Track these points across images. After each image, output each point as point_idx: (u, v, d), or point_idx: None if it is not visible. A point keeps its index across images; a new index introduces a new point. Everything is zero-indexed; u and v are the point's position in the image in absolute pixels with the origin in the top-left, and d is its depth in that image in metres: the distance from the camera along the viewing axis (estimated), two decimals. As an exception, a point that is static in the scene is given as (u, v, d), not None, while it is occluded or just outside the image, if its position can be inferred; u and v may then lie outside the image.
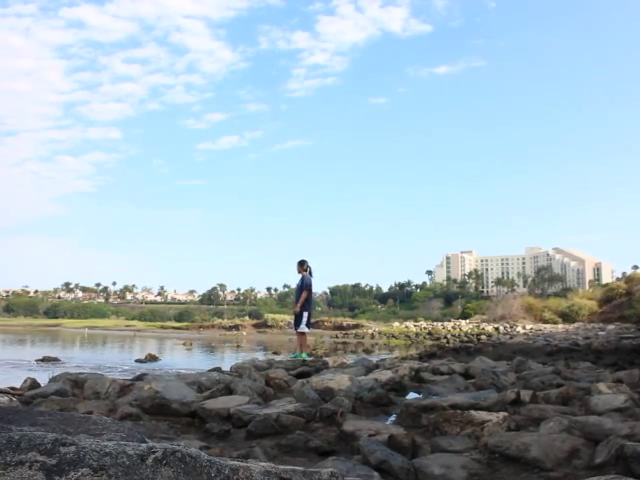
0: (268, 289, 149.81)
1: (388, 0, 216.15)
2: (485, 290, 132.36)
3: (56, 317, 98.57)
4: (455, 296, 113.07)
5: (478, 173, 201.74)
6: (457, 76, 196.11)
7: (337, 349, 26.09)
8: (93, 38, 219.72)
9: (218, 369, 7.70)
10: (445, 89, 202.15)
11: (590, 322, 46.15)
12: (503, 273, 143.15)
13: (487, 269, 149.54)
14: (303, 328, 9.15)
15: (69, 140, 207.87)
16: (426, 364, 8.37)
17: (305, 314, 9.20)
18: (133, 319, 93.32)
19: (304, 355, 8.89)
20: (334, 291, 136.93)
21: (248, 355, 20.37)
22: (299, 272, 9.20)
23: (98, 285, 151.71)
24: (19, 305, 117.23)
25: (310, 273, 9.29)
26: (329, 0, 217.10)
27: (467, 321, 55.12)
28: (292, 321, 9.82)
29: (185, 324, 69.16)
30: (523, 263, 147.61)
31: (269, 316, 63.88)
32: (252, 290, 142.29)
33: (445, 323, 54.10)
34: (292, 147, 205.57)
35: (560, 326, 44.18)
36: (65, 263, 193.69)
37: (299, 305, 9.14)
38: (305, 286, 9.13)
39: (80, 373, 6.25)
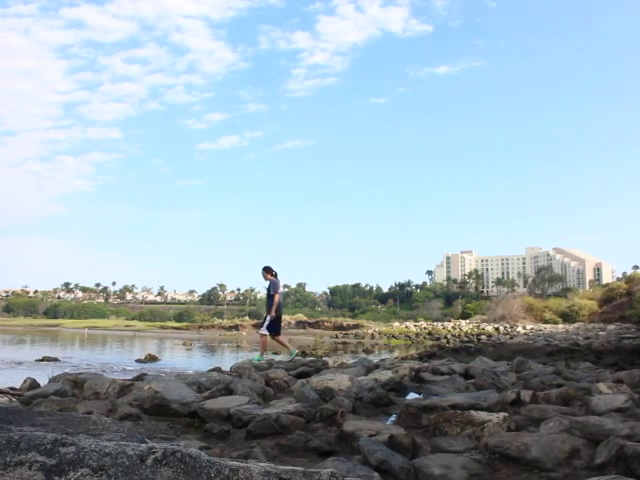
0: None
1: (388, 0, 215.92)
2: (485, 290, 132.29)
3: (56, 317, 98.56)
4: (455, 296, 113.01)
5: (478, 173, 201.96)
6: (457, 76, 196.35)
7: (337, 349, 26.10)
8: (93, 38, 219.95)
9: (218, 369, 7.71)
10: (445, 89, 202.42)
11: (590, 322, 46.19)
12: (503, 273, 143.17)
13: (487, 269, 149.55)
14: (264, 330, 9.18)
15: (69, 140, 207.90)
16: (426, 364, 8.37)
17: (269, 318, 9.18)
18: (133, 319, 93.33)
19: (257, 358, 8.77)
20: (334, 291, 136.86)
21: (248, 355, 20.37)
22: (267, 279, 9.22)
23: (98, 285, 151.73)
24: (19, 305, 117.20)
25: (276, 277, 9.34)
26: (329, 0, 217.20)
27: (467, 321, 55.17)
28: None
29: (185, 324, 69.14)
30: (523, 263, 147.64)
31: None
32: (252, 290, 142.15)
33: (445, 323, 54.15)
34: (292, 147, 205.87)
35: (560, 326, 44.19)
36: (65, 263, 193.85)
37: (274, 309, 9.13)
38: (275, 291, 9.17)
39: (80, 373, 6.25)
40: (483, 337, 34.48)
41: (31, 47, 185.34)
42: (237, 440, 3.51)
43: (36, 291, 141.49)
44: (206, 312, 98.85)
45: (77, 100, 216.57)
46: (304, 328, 56.89)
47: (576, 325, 43.60)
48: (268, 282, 9.26)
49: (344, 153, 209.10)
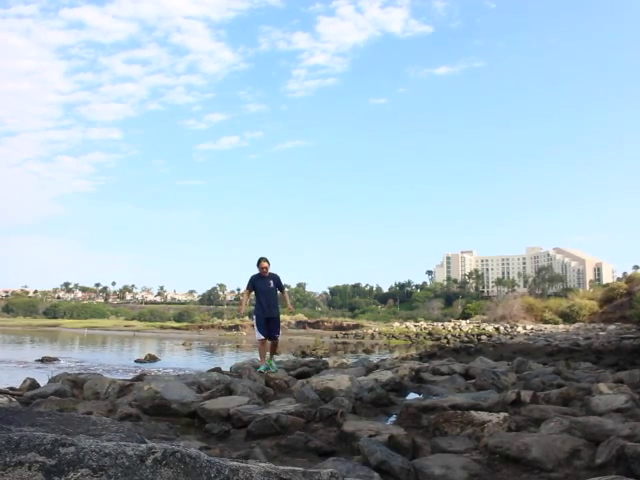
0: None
1: (388, 1, 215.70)
2: (485, 290, 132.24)
3: (55, 317, 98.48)
4: (455, 296, 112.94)
5: (478, 173, 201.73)
6: (457, 77, 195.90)
7: (337, 349, 26.11)
8: (94, 39, 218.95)
9: (218, 369, 7.71)
10: (445, 90, 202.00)
11: (591, 322, 46.19)
12: (503, 273, 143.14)
13: (487, 269, 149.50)
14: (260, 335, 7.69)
15: (69, 140, 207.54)
16: (426, 364, 8.37)
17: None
18: (132, 319, 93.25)
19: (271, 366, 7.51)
20: (334, 291, 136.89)
21: (248, 355, 20.38)
22: (268, 270, 7.71)
23: (97, 285, 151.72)
24: (18, 305, 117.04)
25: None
26: (329, 1, 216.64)
27: (467, 321, 55.23)
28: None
29: (185, 324, 69.12)
30: (523, 263, 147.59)
31: (269, 316, 63.62)
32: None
33: (445, 323, 54.19)
34: (292, 147, 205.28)
35: (561, 326, 44.22)
36: (65, 263, 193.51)
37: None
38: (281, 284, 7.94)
39: (79, 373, 6.25)
40: (483, 337, 34.49)
41: (31, 48, 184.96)
42: (237, 440, 3.50)
43: (36, 291, 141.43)
44: (206, 312, 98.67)
45: (77, 100, 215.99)
46: (304, 328, 56.92)
47: (576, 325, 43.61)
48: (270, 274, 7.75)
49: (344, 153, 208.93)
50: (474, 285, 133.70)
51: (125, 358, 18.75)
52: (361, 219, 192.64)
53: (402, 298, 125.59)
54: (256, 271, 7.78)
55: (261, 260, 7.68)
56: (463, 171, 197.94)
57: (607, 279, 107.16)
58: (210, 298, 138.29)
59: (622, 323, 39.75)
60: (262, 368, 6.97)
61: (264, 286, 7.71)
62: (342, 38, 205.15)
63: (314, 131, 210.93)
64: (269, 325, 7.69)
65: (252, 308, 8.48)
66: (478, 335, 37.36)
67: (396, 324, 54.80)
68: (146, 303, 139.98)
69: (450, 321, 58.30)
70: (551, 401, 4.52)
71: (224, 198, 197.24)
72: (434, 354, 15.54)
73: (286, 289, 8.06)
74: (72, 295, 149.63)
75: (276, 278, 7.81)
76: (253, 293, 7.93)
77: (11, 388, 5.92)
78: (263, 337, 7.60)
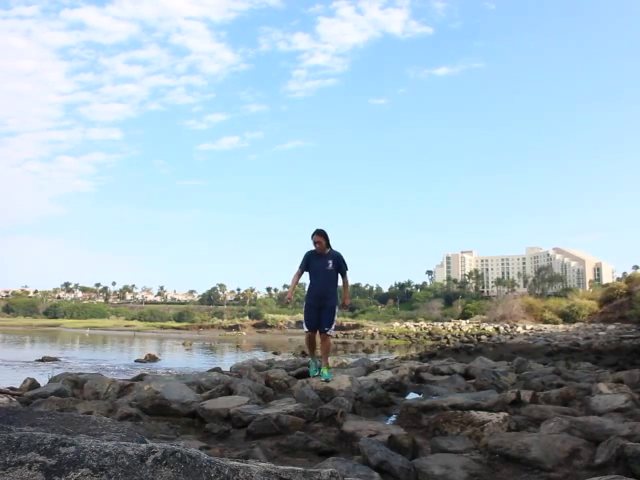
0: (268, 289, 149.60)
1: (388, 2, 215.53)
2: (485, 290, 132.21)
3: (56, 317, 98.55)
4: (455, 296, 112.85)
5: (478, 173, 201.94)
6: (457, 77, 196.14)
7: (337, 349, 26.11)
8: (94, 40, 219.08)
9: (218, 369, 7.72)
10: (445, 90, 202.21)
11: (590, 322, 46.20)
12: (503, 273, 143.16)
13: (487, 269, 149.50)
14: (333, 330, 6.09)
15: (70, 141, 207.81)
16: (426, 364, 8.37)
17: (337, 309, 6.15)
18: (133, 319, 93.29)
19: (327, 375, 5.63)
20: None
21: (248, 355, 20.40)
22: (325, 248, 5.80)
23: (98, 285, 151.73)
24: (19, 305, 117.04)
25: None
26: (329, 2, 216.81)
27: (467, 321, 55.25)
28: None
29: (185, 324, 69.15)
30: (523, 263, 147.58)
31: (269, 316, 64.01)
32: (252, 290, 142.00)
33: (445, 323, 54.22)
34: (292, 148, 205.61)
35: (560, 326, 44.23)
36: (65, 263, 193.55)
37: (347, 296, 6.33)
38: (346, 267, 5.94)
39: (80, 373, 6.25)
40: (483, 337, 34.52)
41: (32, 48, 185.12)
42: (237, 440, 3.50)
43: (36, 291, 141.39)
44: (206, 312, 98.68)
45: (78, 101, 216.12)
46: (304, 328, 56.87)
47: (576, 325, 43.63)
48: (330, 252, 5.87)
49: (344, 154, 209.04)
50: (474, 285, 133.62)
51: (125, 358, 18.75)
52: (361, 219, 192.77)
53: (402, 298, 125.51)
54: (311, 247, 5.91)
55: (315, 233, 5.82)
56: (463, 171, 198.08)
57: (607, 279, 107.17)
58: (210, 298, 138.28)
59: (622, 323, 39.77)
60: (312, 372, 5.62)
61: (320, 266, 5.83)
62: (342, 39, 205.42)
63: (314, 131, 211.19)
64: (320, 315, 5.97)
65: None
66: (478, 335, 37.37)
67: (396, 324, 54.82)
68: (146, 303, 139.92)
69: (450, 321, 58.33)
70: (551, 401, 4.52)
71: (224, 198, 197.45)
72: (434, 354, 15.55)
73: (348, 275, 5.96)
74: (72, 295, 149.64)
75: (338, 257, 5.91)
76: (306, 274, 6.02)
77: (11, 388, 5.93)
78: (308, 330, 6.03)
